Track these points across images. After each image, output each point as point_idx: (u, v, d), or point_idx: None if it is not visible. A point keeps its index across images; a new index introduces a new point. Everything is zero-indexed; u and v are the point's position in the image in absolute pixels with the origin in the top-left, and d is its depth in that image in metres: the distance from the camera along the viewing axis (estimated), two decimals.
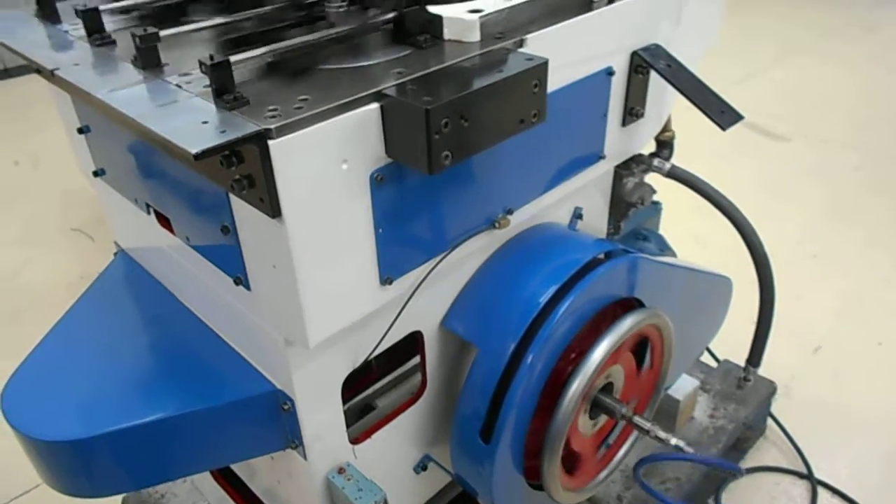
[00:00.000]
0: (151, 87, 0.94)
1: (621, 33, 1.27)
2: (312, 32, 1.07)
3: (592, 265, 1.30)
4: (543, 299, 1.24)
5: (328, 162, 0.90)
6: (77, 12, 1.09)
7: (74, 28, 1.17)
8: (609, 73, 1.28)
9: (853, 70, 4.65)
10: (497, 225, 1.19)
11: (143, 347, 1.23)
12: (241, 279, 1.05)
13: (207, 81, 0.91)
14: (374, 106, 0.91)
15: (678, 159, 1.63)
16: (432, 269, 1.12)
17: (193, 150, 0.76)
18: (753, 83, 4.52)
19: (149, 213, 1.24)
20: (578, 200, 1.46)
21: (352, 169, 0.93)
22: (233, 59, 0.88)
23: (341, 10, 1.06)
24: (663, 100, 1.47)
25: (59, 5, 1.28)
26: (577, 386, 1.25)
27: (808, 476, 1.99)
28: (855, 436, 2.13)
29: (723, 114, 1.26)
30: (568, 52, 1.16)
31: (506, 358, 1.22)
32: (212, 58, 0.86)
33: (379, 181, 0.96)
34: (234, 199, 0.97)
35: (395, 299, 1.10)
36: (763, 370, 2.02)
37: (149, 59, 0.99)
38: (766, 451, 2.16)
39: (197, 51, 1.05)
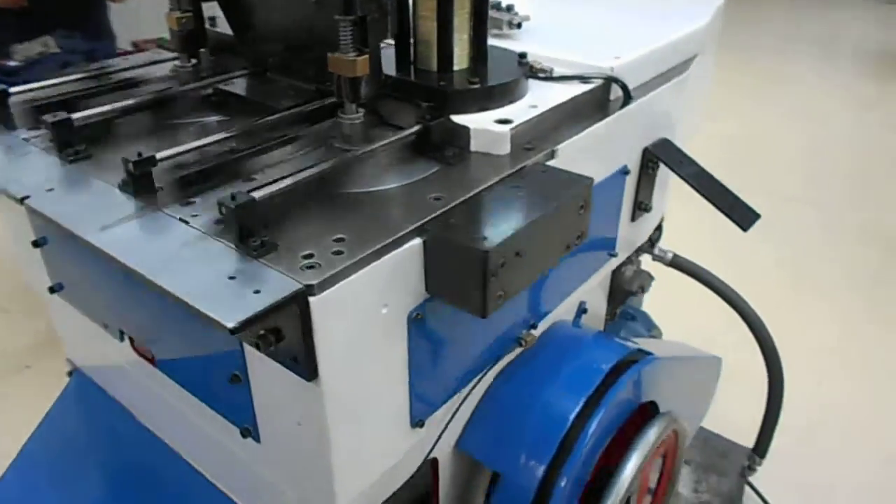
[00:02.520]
0: (151, 222, 0.80)
1: (635, 132, 1.22)
2: (324, 147, 0.97)
3: (615, 372, 1.22)
4: (571, 416, 1.15)
5: (369, 310, 0.78)
6: (46, 123, 0.94)
7: (35, 135, 1.01)
8: (624, 172, 1.22)
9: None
10: (523, 343, 1.10)
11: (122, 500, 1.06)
12: (249, 431, 0.91)
13: (214, 212, 0.79)
14: (417, 242, 0.80)
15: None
16: (462, 401, 1.01)
17: (230, 324, 0.63)
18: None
19: (122, 340, 1.08)
20: (582, 295, 1.39)
21: (391, 311, 0.81)
22: (256, 195, 0.76)
23: (356, 122, 0.95)
24: (665, 189, 1.43)
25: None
26: None
27: None
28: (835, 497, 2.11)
29: (741, 213, 1.22)
30: (593, 158, 1.09)
31: (535, 484, 1.11)
32: (233, 197, 0.73)
33: (417, 320, 0.85)
34: (246, 344, 0.83)
35: (424, 440, 0.98)
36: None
37: (142, 186, 0.85)
38: None
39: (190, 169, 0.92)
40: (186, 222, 0.80)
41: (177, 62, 1.18)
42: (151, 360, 1.04)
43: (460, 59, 1.05)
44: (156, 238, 0.78)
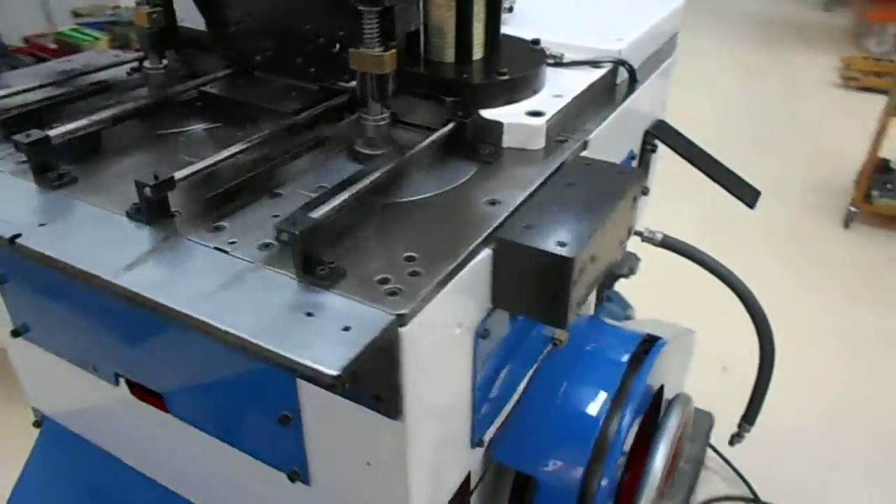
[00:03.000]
0: (181, 255, 0.69)
1: (640, 115, 1.20)
2: (346, 153, 0.88)
3: (634, 362, 1.20)
4: (601, 414, 1.12)
5: (447, 333, 0.71)
6: (19, 145, 0.79)
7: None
8: (632, 157, 1.19)
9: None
10: (558, 343, 1.05)
11: None
12: (298, 474, 0.82)
13: (253, 237, 0.70)
14: (487, 252, 0.74)
15: None
16: (510, 412, 0.95)
17: (334, 372, 0.55)
18: None
19: (116, 383, 0.95)
20: None
21: (462, 330, 0.74)
22: (314, 214, 0.66)
23: (382, 123, 0.86)
24: (654, 170, 1.42)
25: None
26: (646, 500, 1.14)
27: (756, 500, 2.04)
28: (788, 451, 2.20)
29: (745, 191, 1.23)
30: (613, 144, 1.06)
31: (575, 489, 1.08)
32: (294, 221, 0.64)
33: (484, 336, 0.79)
34: (302, 381, 0.74)
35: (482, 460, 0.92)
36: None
37: (159, 212, 0.73)
38: (711, 483, 2.20)
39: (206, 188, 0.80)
40: (225, 251, 0.69)
41: (146, 63, 1.04)
42: (158, 404, 0.92)
43: (477, 48, 0.98)
44: (195, 274, 0.67)
